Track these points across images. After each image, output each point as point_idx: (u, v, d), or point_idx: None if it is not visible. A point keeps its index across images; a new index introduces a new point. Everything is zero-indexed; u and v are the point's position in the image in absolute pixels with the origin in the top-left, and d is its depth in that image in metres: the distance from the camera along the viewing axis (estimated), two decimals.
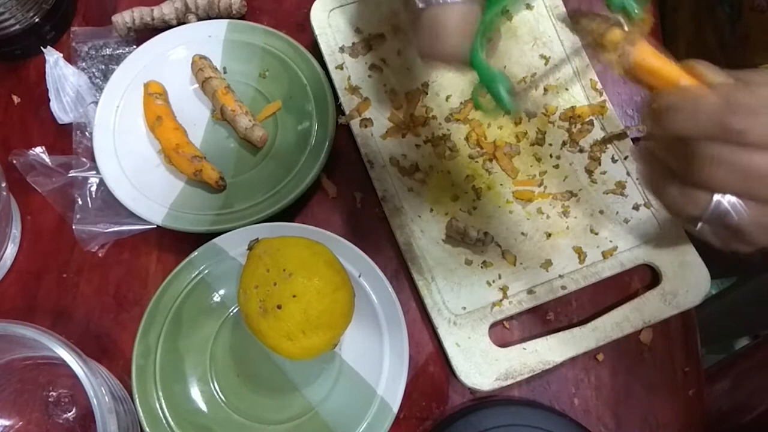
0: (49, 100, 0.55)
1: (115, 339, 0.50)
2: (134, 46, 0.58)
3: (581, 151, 0.55)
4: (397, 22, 0.56)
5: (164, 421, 0.45)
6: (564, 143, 0.55)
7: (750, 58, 0.56)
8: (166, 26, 0.58)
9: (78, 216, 0.52)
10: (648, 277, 0.53)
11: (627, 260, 0.52)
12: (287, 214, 0.52)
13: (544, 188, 0.54)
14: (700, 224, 0.29)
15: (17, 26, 0.55)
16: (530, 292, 0.50)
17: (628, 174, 0.54)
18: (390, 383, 0.47)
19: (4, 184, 0.48)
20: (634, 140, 0.55)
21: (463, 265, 0.51)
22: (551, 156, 0.55)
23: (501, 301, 0.50)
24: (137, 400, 0.45)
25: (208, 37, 0.57)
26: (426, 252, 0.51)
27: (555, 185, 0.54)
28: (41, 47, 0.56)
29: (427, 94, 0.56)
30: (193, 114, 0.56)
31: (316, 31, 0.56)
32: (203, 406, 0.47)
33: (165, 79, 0.56)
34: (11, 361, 0.44)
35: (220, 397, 0.48)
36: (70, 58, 0.58)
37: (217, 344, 0.49)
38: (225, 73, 0.57)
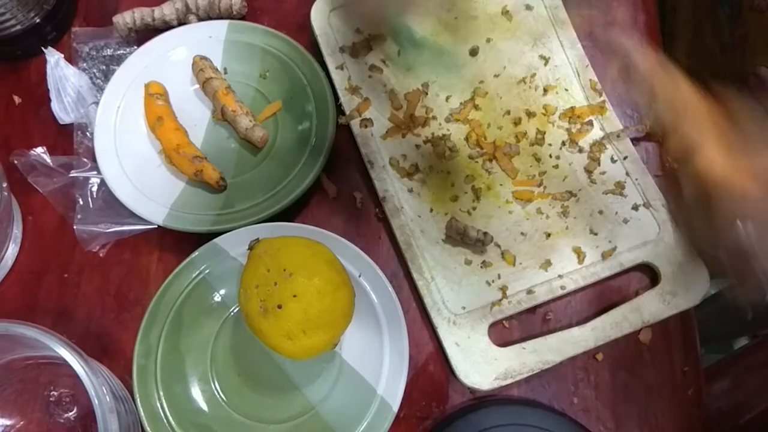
0: (50, 101, 0.55)
1: (116, 339, 0.50)
2: (135, 47, 0.58)
3: (581, 151, 0.55)
4: None
5: (165, 421, 0.45)
6: (563, 143, 0.55)
7: (749, 58, 0.56)
8: (166, 27, 0.58)
9: (79, 216, 0.53)
10: (647, 277, 0.53)
11: (626, 260, 0.52)
12: (287, 214, 0.52)
13: (543, 188, 0.54)
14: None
15: (18, 27, 0.56)
16: (529, 292, 0.50)
17: (627, 174, 0.54)
18: (390, 383, 0.47)
19: (5, 185, 0.48)
20: (634, 140, 0.56)
21: (463, 265, 0.51)
22: (551, 156, 0.55)
23: (500, 300, 0.50)
24: (138, 399, 0.45)
25: (209, 38, 0.57)
26: (426, 252, 0.51)
27: (554, 185, 0.54)
28: (42, 48, 0.56)
29: (427, 94, 0.56)
30: (194, 114, 0.56)
31: (317, 32, 0.56)
32: (204, 406, 0.47)
33: (166, 79, 0.56)
34: (12, 360, 0.45)
35: (220, 396, 0.48)
36: (71, 58, 0.58)
37: (217, 344, 0.49)
38: (225, 73, 0.57)
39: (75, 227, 0.52)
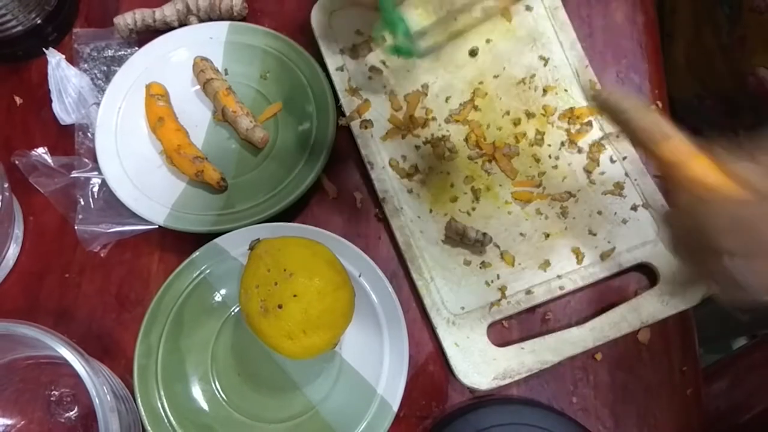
0: (51, 102, 0.56)
1: (117, 338, 0.51)
2: (136, 48, 0.58)
3: (580, 151, 0.55)
4: None
5: (166, 420, 0.46)
6: (563, 144, 0.55)
7: (749, 58, 0.56)
8: (167, 28, 0.58)
9: (80, 216, 0.53)
10: (646, 277, 0.53)
11: (625, 261, 0.52)
12: (288, 215, 0.53)
13: (542, 189, 0.54)
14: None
15: (19, 28, 0.56)
16: (528, 292, 0.51)
17: (626, 175, 0.54)
18: (390, 382, 0.47)
19: (6, 185, 0.48)
20: None
21: (462, 266, 0.51)
22: (550, 157, 0.55)
23: (499, 301, 0.50)
24: (139, 399, 0.45)
25: (210, 39, 0.58)
26: (425, 252, 0.51)
27: (554, 186, 0.54)
28: (43, 49, 0.56)
29: (426, 95, 0.56)
30: (195, 115, 0.56)
31: (317, 33, 0.56)
32: (205, 405, 0.47)
33: (166, 80, 0.56)
34: (13, 360, 0.45)
35: (221, 396, 0.48)
36: (72, 59, 0.58)
37: (218, 344, 0.49)
38: (226, 74, 0.57)
39: (76, 227, 0.52)
